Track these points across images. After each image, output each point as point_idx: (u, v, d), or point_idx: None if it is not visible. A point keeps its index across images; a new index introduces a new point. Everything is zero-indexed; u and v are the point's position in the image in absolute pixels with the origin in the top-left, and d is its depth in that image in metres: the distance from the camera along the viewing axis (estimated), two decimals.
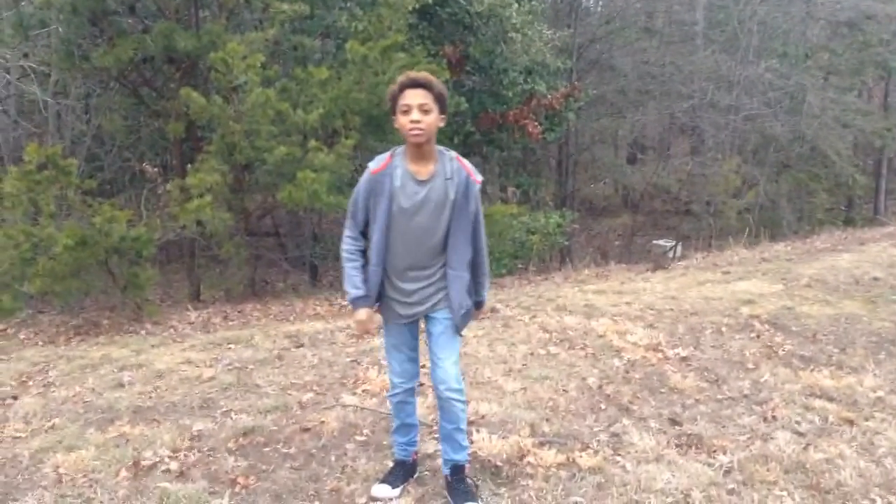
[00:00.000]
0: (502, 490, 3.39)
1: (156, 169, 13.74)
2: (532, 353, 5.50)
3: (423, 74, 2.97)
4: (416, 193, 3.00)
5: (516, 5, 12.27)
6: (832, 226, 17.31)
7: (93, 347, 6.58)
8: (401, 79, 2.96)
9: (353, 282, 3.10)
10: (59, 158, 7.59)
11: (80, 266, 7.55)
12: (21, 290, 7.63)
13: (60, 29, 9.77)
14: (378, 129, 9.65)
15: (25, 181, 7.46)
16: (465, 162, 3.09)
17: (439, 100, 2.95)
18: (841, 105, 19.09)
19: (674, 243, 16.97)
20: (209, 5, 10.36)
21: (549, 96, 13.69)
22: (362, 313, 3.09)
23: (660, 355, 5.45)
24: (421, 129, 2.90)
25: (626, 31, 20.33)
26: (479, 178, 3.09)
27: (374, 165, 3.03)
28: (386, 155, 3.05)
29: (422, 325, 3.28)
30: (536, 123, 13.46)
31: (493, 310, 6.94)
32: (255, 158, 8.85)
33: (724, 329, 6.15)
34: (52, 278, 7.36)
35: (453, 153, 3.10)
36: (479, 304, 3.38)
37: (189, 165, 9.13)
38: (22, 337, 7.51)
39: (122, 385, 5.06)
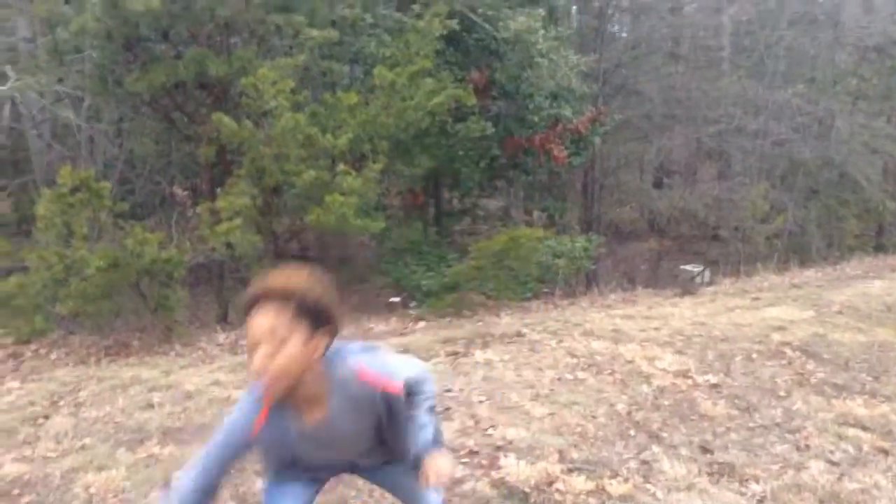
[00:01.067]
0: None
1: (186, 192, 13.89)
2: (559, 378, 5.47)
3: (270, 282, 1.87)
4: (311, 442, 2.05)
5: (543, 31, 12.31)
6: (862, 252, 17.07)
7: (123, 368, 6.65)
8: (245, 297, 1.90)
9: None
10: (92, 182, 7.72)
11: (111, 287, 7.65)
12: (53, 310, 7.73)
13: (95, 55, 9.96)
14: (405, 153, 9.74)
15: (59, 204, 7.59)
16: (370, 372, 1.99)
17: (306, 313, 1.84)
18: (870, 130, 18.90)
19: (701, 268, 16.81)
20: (240, 32, 10.52)
21: (575, 121, 13.69)
22: None
23: (689, 382, 5.40)
24: (271, 381, 1.85)
25: (651, 56, 20.33)
26: (397, 386, 2.02)
27: (248, 422, 1.97)
28: (251, 405, 1.98)
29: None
30: (562, 148, 13.44)
31: (520, 334, 6.92)
32: (284, 182, 8.95)
33: (754, 356, 6.08)
34: (83, 299, 7.46)
35: (351, 363, 1.99)
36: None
37: (219, 189, 9.24)
38: (53, 357, 7.60)
39: (151, 406, 5.10)
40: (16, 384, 6.05)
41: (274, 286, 1.84)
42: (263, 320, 1.81)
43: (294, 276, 1.87)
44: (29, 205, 10.93)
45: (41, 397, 5.50)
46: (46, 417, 4.99)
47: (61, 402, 5.37)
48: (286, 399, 1.92)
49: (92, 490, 3.66)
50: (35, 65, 9.97)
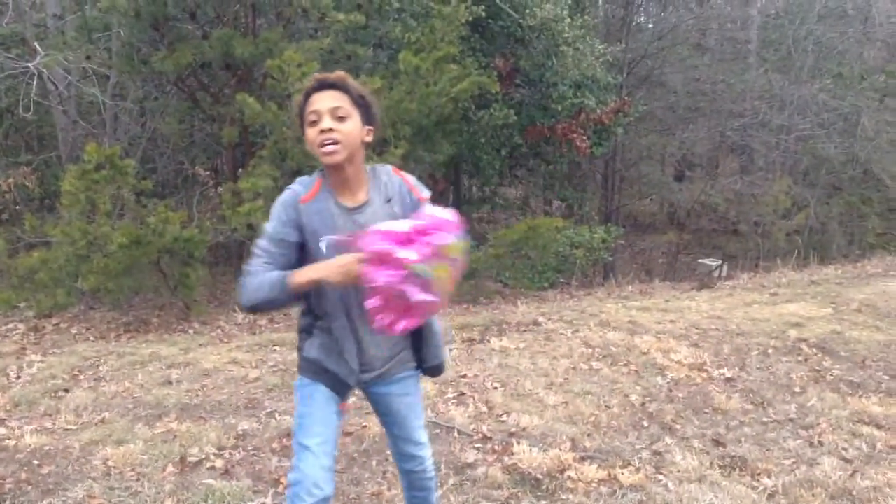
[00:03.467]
0: (542, 503, 3.39)
1: (208, 172, 13.98)
2: (574, 368, 5.49)
3: (337, 74, 2.25)
4: (350, 227, 2.23)
5: (569, 20, 12.26)
6: (884, 251, 16.91)
7: (142, 345, 6.73)
8: (306, 85, 2.27)
9: (274, 279, 2.19)
10: (117, 159, 7.78)
11: (132, 264, 7.72)
12: (75, 285, 7.82)
13: (122, 33, 10.01)
14: (427, 139, 9.73)
15: (84, 180, 7.65)
16: (407, 176, 2.37)
17: (360, 104, 2.23)
18: None
19: (720, 263, 16.76)
20: (267, 13, 10.54)
21: (599, 111, 13.64)
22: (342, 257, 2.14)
23: (704, 375, 5.41)
24: (337, 142, 2.16)
25: (677, 47, 20.16)
26: (425, 193, 2.34)
27: (302, 190, 2.25)
28: (314, 178, 2.28)
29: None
30: (584, 137, 13.40)
31: (536, 323, 6.94)
32: (306, 164, 8.97)
33: (770, 351, 6.07)
34: (105, 276, 7.53)
35: (388, 167, 2.39)
36: (437, 369, 2.55)
37: (240, 170, 9.28)
38: (74, 332, 7.71)
39: (170, 382, 5.17)
40: (37, 357, 6.14)
41: (339, 77, 2.23)
42: (329, 97, 2.18)
43: (350, 78, 2.25)
44: (53, 180, 11.04)
45: (62, 371, 5.58)
46: (67, 391, 5.07)
47: (81, 376, 5.45)
48: (335, 179, 2.24)
49: (110, 463, 3.72)
50: (63, 41, 10.03)
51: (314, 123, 2.18)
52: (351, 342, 2.33)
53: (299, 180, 2.28)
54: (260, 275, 2.20)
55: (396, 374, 2.46)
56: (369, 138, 2.25)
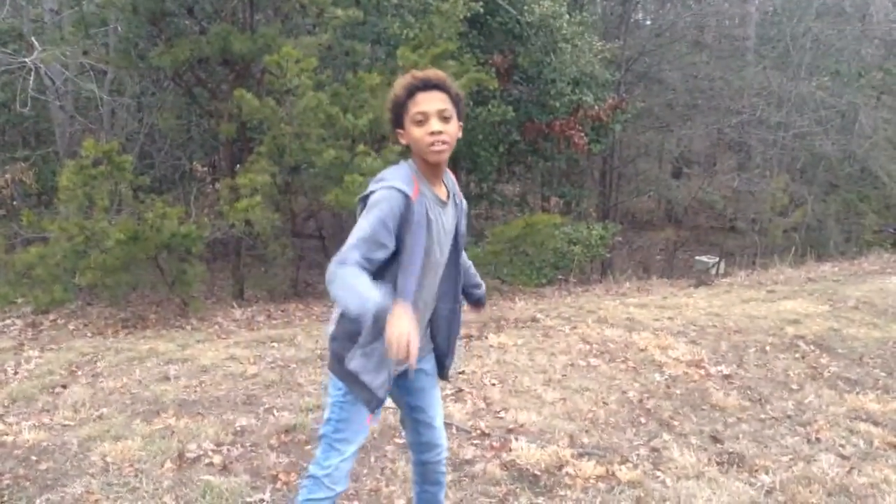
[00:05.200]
0: (540, 500, 3.40)
1: (205, 168, 13.98)
2: (572, 364, 5.49)
3: (436, 73, 2.33)
4: (446, 221, 2.42)
5: (567, 16, 12.25)
6: (880, 248, 16.94)
7: (140, 340, 6.72)
8: (406, 80, 2.30)
9: (367, 286, 2.09)
10: (115, 154, 7.77)
11: (130, 260, 7.70)
12: (72, 281, 7.80)
13: (120, 28, 10.01)
14: None
15: (81, 175, 7.64)
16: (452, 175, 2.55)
17: (458, 104, 2.33)
18: (893, 125, 18.71)
19: (717, 260, 16.77)
20: (265, 9, 10.53)
21: (597, 108, 13.63)
22: (404, 323, 2.02)
23: (702, 372, 5.41)
24: (445, 143, 2.26)
25: (675, 44, 20.16)
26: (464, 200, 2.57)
27: (408, 190, 2.25)
28: (407, 175, 2.30)
29: None
30: (582, 134, 13.40)
31: (534, 319, 6.94)
32: (304, 161, 8.97)
33: (768, 348, 6.08)
34: (102, 271, 7.52)
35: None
36: (484, 297, 2.87)
37: (238, 166, 9.27)
38: (71, 328, 7.69)
39: (167, 378, 5.16)
40: (35, 353, 6.14)
41: (441, 77, 2.30)
42: (436, 99, 2.26)
43: (446, 76, 2.33)
44: (51, 176, 11.03)
45: (59, 366, 5.57)
46: (64, 387, 5.06)
47: (79, 372, 5.45)
48: (432, 172, 2.35)
49: (108, 459, 3.72)
50: (60, 37, 10.02)
51: (421, 123, 2.25)
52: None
53: (395, 177, 2.27)
54: (358, 275, 2.12)
55: (425, 353, 2.56)
56: (461, 134, 2.35)
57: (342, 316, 2.39)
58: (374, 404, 2.39)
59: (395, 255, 2.28)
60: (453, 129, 2.28)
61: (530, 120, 13.40)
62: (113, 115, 11.87)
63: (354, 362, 2.35)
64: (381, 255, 2.22)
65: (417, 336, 2.03)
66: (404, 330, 2.00)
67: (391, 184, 2.24)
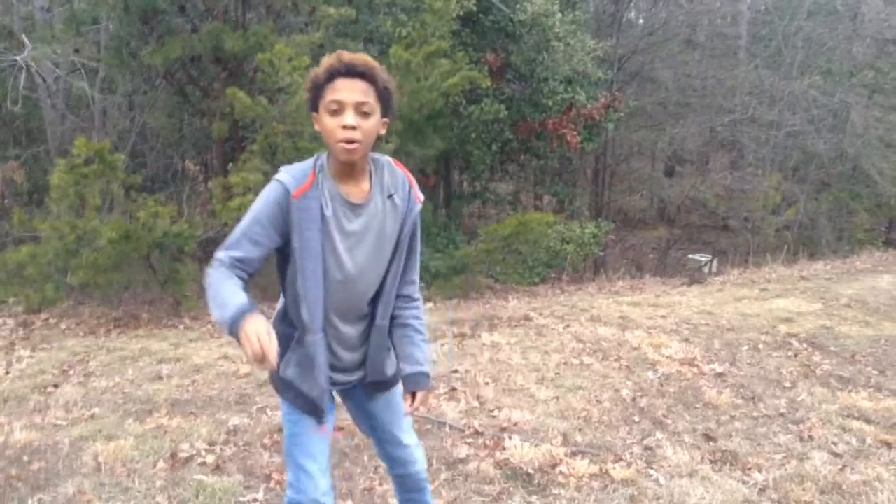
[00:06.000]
0: (534, 498, 3.39)
1: (198, 167, 13.94)
2: (565, 363, 5.50)
3: (365, 59, 2.02)
4: (351, 223, 2.10)
5: (560, 15, 12.26)
6: (872, 246, 16.99)
7: (132, 340, 6.70)
8: (330, 60, 2.01)
9: (231, 294, 1.96)
10: (106, 153, 7.74)
11: (122, 259, 7.68)
12: (64, 280, 7.78)
13: (111, 26, 9.98)
14: (418, 134, 9.71)
15: (73, 174, 7.61)
16: (408, 172, 2.24)
17: (385, 98, 2.05)
18: (885, 124, 18.76)
19: (710, 258, 16.80)
20: (257, 7, 10.50)
21: (589, 106, 13.65)
22: (257, 323, 1.85)
23: (695, 370, 5.42)
24: (357, 142, 1.98)
25: (668, 43, 20.18)
26: (421, 196, 2.24)
27: (292, 183, 2.03)
28: (307, 168, 2.07)
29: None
30: (575, 133, 13.41)
31: (527, 318, 6.94)
32: (297, 159, 8.95)
33: (761, 346, 6.10)
34: (94, 270, 7.50)
35: (388, 158, 2.22)
36: (423, 378, 2.31)
37: (231, 164, 9.25)
38: (63, 327, 7.66)
39: (160, 378, 5.16)
40: (26, 352, 6.12)
41: (368, 65, 2.01)
42: (356, 89, 1.98)
43: (378, 65, 2.04)
44: (42, 175, 10.98)
45: (51, 366, 5.56)
46: (56, 386, 5.05)
47: (71, 372, 5.43)
48: (340, 169, 2.07)
49: (100, 458, 3.71)
50: (51, 34, 9.98)
51: (335, 113, 1.98)
52: (323, 356, 2.17)
53: (287, 170, 2.07)
54: (224, 281, 1.99)
55: (373, 378, 2.32)
56: (384, 131, 2.10)
57: (277, 318, 2.25)
58: (319, 413, 2.21)
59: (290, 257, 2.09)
60: (370, 126, 2.00)
61: (523, 118, 13.41)
62: (104, 113, 11.82)
63: (290, 370, 2.19)
64: (258, 253, 2.05)
65: (271, 336, 1.83)
66: (253, 329, 1.81)
67: (278, 176, 2.06)
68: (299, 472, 2.22)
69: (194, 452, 3.79)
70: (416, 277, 2.32)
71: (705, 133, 20.85)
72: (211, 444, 3.90)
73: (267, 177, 8.50)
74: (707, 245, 20.03)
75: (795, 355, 5.91)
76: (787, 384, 5.21)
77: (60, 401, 4.67)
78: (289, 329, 2.18)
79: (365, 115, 1.98)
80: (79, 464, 3.68)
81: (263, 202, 2.05)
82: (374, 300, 2.22)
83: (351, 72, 1.98)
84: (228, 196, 8.33)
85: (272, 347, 1.81)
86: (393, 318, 2.29)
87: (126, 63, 10.24)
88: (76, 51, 10.05)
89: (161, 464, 3.65)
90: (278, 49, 8.45)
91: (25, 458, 3.73)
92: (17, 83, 9.34)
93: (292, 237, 2.05)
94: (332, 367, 2.23)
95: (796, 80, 18.28)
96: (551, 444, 3.91)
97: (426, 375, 2.29)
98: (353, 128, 1.96)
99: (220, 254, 2.04)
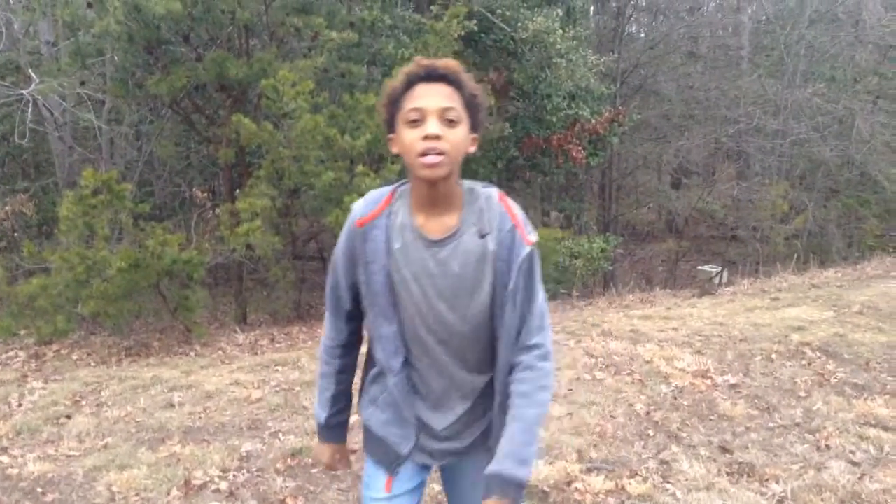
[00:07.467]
0: None
1: (205, 194, 13.99)
2: (578, 379, 5.47)
3: (447, 62, 1.71)
4: (425, 262, 1.73)
5: (561, 31, 12.32)
6: (883, 252, 16.92)
7: (143, 368, 6.70)
8: (406, 69, 1.72)
9: (319, 401, 1.95)
10: (114, 183, 7.78)
11: (132, 288, 7.70)
12: (74, 311, 7.80)
13: (116, 58, 10.05)
14: None
15: (81, 205, 7.65)
16: (514, 207, 1.78)
17: (473, 107, 1.71)
18: (891, 129, 18.74)
19: (719, 269, 16.76)
20: (260, 34, 10.58)
21: (594, 121, 13.69)
22: (324, 452, 1.94)
23: (708, 382, 5.39)
24: (441, 154, 1.64)
25: (670, 56, 20.27)
26: (532, 237, 1.76)
27: (360, 210, 1.79)
28: (384, 192, 1.81)
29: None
30: (580, 148, 13.45)
31: None
32: (303, 183, 8.98)
33: (774, 356, 6.05)
34: (105, 300, 7.51)
35: (493, 191, 1.80)
36: (502, 484, 1.68)
37: (237, 190, 9.29)
38: (75, 357, 7.67)
39: (172, 405, 5.14)
40: (38, 384, 6.11)
41: (452, 67, 1.71)
42: (440, 94, 1.67)
43: (464, 70, 1.74)
44: (51, 206, 11.04)
45: (63, 397, 5.55)
46: (69, 417, 5.04)
47: (83, 402, 5.42)
48: (423, 196, 1.74)
49: (114, 488, 3.70)
50: (57, 68, 10.06)
51: (415, 123, 1.65)
52: (404, 398, 1.86)
53: (367, 195, 1.82)
54: (318, 381, 1.97)
55: (471, 453, 1.93)
56: (473, 148, 1.74)
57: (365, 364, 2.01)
58: (392, 463, 1.90)
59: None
60: (458, 138, 1.66)
61: (528, 135, 13.45)
62: (111, 144, 11.90)
63: (366, 411, 1.94)
64: (348, 327, 1.91)
65: (334, 460, 2.01)
66: (316, 458, 1.90)
67: (353, 207, 1.81)
68: None
69: (207, 479, 3.77)
70: (539, 341, 1.82)
71: (710, 144, 20.89)
72: (224, 470, 3.89)
73: (274, 202, 8.54)
74: (716, 256, 19.99)
75: (809, 364, 5.86)
76: (802, 393, 5.17)
77: (73, 431, 4.67)
78: (372, 368, 1.93)
79: (451, 123, 1.65)
80: (93, 494, 3.67)
81: (341, 239, 1.83)
82: (467, 360, 1.84)
83: (432, 75, 1.68)
84: (236, 222, 8.36)
85: (336, 466, 2.02)
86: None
87: (132, 93, 10.32)
88: (82, 83, 10.13)
89: (175, 492, 3.63)
90: (282, 75, 8.51)
91: (39, 490, 3.72)
92: (24, 117, 9.41)
93: (357, 270, 1.79)
94: (422, 429, 1.89)
95: (800, 88, 18.30)
96: (566, 461, 3.89)
97: (512, 482, 1.68)
98: (437, 137, 1.63)
99: (323, 337, 1.97)
